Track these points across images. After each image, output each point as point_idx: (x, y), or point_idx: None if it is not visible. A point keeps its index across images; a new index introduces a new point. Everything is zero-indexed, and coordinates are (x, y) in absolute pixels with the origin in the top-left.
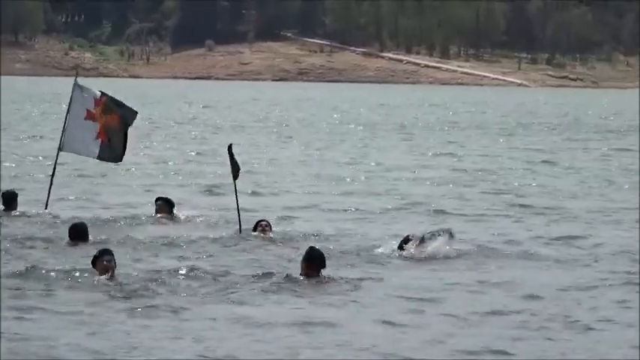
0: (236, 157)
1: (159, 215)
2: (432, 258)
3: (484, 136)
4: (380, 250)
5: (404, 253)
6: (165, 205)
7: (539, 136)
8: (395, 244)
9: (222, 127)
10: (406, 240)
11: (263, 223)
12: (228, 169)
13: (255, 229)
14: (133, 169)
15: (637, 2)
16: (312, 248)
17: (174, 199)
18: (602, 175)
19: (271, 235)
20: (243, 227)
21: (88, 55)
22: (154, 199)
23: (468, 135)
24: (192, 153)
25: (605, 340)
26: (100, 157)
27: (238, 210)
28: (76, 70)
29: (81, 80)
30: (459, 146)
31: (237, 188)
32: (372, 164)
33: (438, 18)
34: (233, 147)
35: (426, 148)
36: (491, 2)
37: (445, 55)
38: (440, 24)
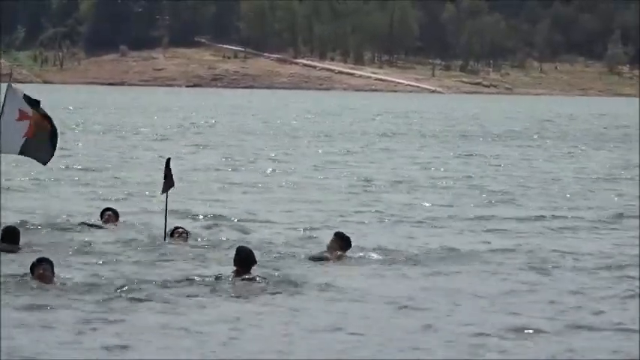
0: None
1: (107, 223)
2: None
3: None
4: (304, 251)
5: (328, 255)
6: (113, 216)
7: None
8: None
9: (155, 134)
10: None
11: (180, 229)
12: (160, 176)
13: (172, 235)
14: (69, 176)
15: (550, 10)
16: (241, 246)
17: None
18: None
19: (189, 241)
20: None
21: (1, 60)
22: (102, 209)
23: (411, 142)
24: (129, 159)
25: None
26: (22, 152)
27: (165, 220)
28: (10, 73)
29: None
30: (397, 154)
31: (168, 199)
32: (306, 170)
33: (351, 24)
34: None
35: (364, 155)
36: (405, 9)
37: (359, 61)
38: (354, 30)
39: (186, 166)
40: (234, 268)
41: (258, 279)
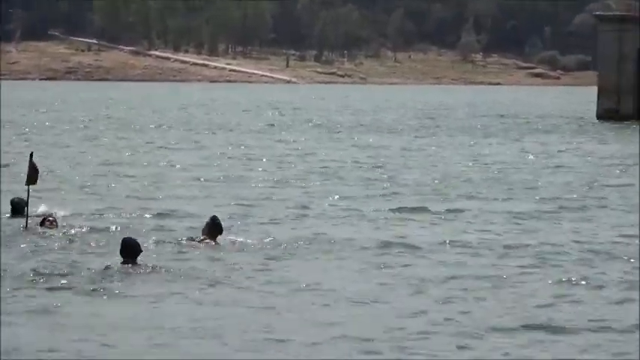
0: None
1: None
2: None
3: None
4: (184, 237)
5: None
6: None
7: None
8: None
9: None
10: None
11: (51, 219)
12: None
13: (42, 224)
14: None
15: (403, 0)
16: (126, 238)
17: None
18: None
19: (57, 229)
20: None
21: None
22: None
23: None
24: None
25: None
26: None
27: (27, 209)
28: None
29: None
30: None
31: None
32: (174, 161)
33: (205, 16)
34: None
35: (246, 147)
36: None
37: (213, 52)
38: (207, 22)
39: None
40: (123, 258)
41: (144, 267)
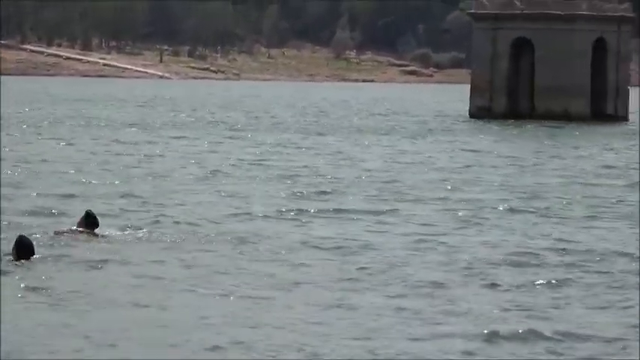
0: None
1: None
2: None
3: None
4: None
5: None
6: None
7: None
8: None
9: None
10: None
11: None
12: None
13: None
14: None
15: None
16: (21, 236)
17: None
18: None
19: None
20: None
21: None
22: None
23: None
24: None
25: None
26: None
27: None
28: None
29: None
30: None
31: None
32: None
33: (79, 10)
34: None
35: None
36: None
37: (87, 47)
38: (81, 16)
39: None
40: (15, 256)
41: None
